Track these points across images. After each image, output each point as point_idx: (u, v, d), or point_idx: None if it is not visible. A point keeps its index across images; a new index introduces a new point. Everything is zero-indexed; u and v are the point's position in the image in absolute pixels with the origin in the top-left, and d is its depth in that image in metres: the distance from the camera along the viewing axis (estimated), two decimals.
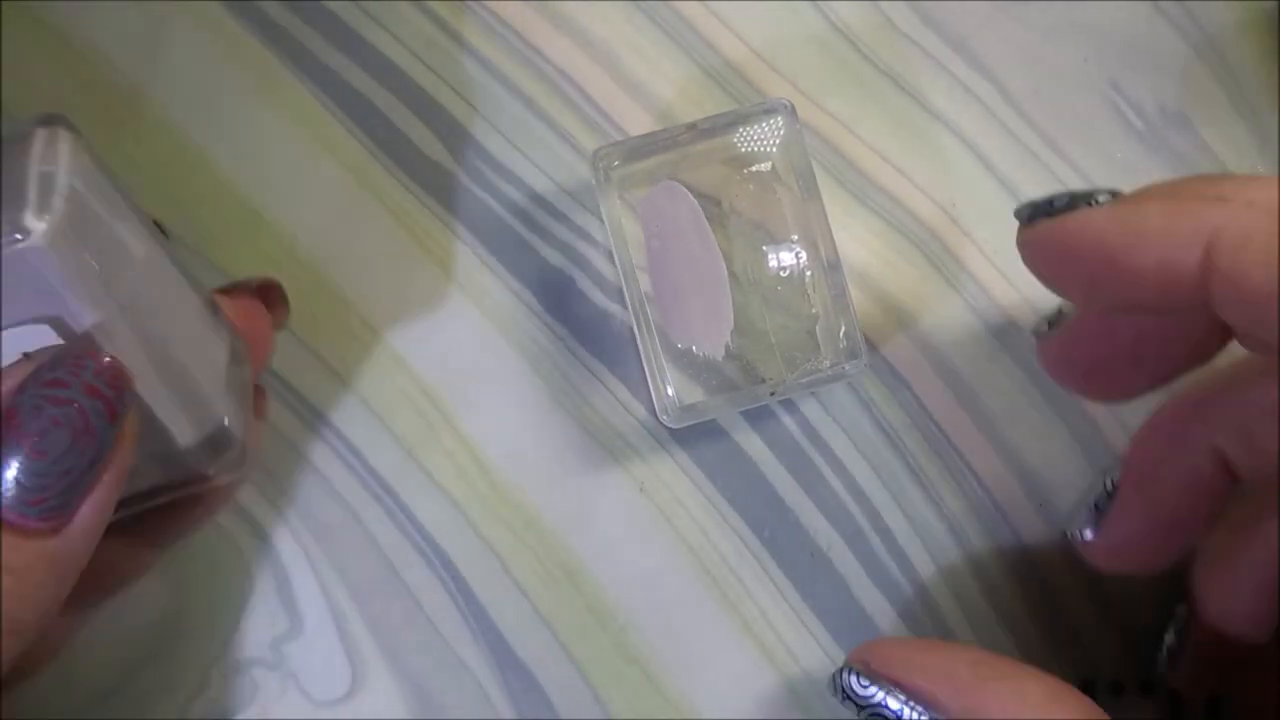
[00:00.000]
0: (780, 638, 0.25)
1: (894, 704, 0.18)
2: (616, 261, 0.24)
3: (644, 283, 0.24)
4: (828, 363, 0.24)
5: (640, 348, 0.24)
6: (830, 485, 0.26)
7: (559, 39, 0.28)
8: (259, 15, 0.28)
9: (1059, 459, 0.26)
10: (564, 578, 0.25)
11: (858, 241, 0.27)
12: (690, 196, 0.24)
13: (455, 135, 0.27)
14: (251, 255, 0.27)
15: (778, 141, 0.24)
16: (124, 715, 0.25)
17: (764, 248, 0.24)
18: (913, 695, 0.18)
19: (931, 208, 0.27)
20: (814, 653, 0.25)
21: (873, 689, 0.18)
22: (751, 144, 0.25)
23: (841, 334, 0.24)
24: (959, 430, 0.26)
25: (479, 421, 0.26)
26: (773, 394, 0.24)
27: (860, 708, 0.18)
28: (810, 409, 0.26)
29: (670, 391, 0.24)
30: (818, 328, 0.24)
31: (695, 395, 0.25)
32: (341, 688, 0.25)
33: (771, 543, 0.26)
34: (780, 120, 0.24)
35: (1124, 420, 0.26)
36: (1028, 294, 0.26)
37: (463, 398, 0.26)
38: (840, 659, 0.25)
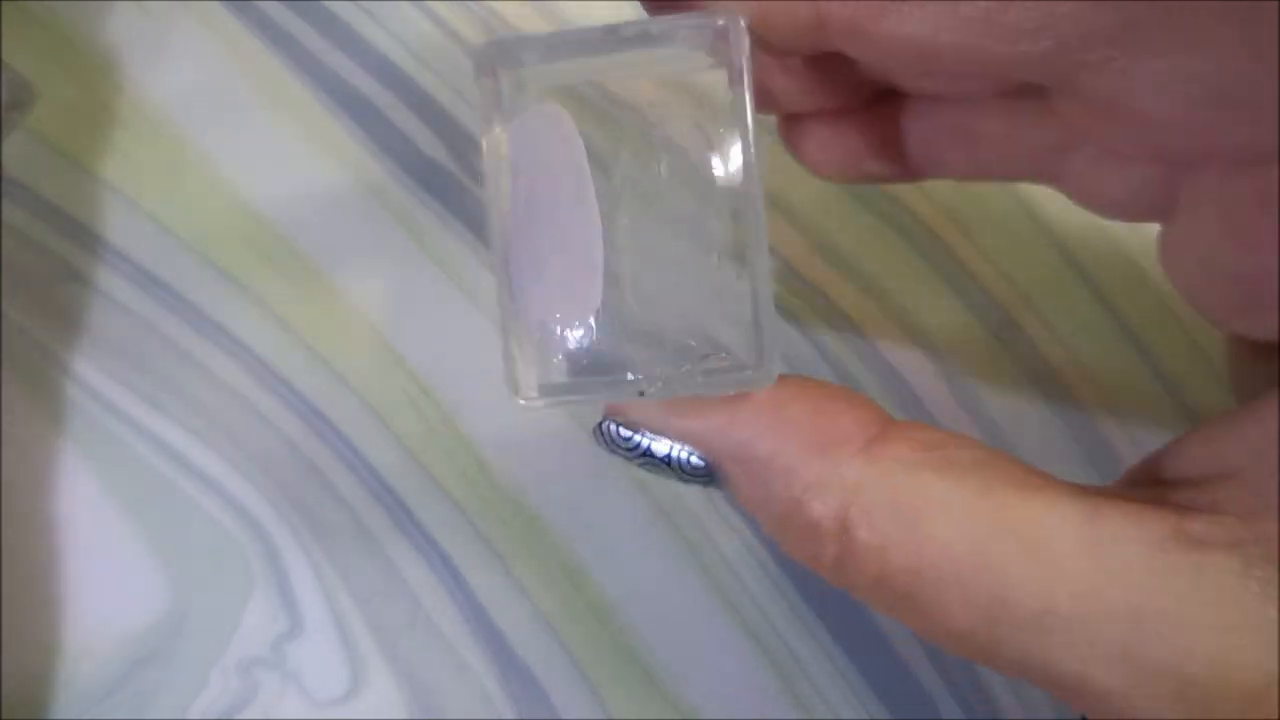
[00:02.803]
0: (780, 637, 0.25)
1: (660, 448, 0.18)
2: (486, 198, 0.18)
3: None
4: (712, 363, 0.17)
5: (499, 307, 0.18)
6: None
7: None
8: (260, 15, 0.28)
9: (1059, 459, 0.26)
10: (564, 578, 0.25)
11: (858, 242, 0.27)
12: (573, 129, 0.17)
13: (455, 135, 0.27)
14: (251, 255, 0.27)
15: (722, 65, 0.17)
16: (124, 715, 0.25)
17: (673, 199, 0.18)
18: (676, 437, 0.17)
19: (931, 208, 0.27)
20: (815, 653, 0.25)
21: (635, 436, 0.18)
22: (689, 63, 0.18)
23: (748, 324, 0.17)
24: (959, 430, 0.26)
25: (479, 421, 0.26)
26: (641, 393, 0.18)
27: (628, 451, 0.18)
28: None
29: (521, 367, 0.18)
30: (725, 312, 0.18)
31: (555, 375, 0.18)
32: (341, 688, 0.25)
33: (772, 542, 0.26)
34: (726, 36, 0.16)
35: (1122, 418, 0.26)
36: (1028, 294, 0.26)
37: (463, 398, 0.26)
38: (842, 659, 0.25)
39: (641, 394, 0.17)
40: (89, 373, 0.26)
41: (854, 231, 0.27)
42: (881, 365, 0.26)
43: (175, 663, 0.25)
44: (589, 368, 0.18)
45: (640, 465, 0.18)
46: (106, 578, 0.25)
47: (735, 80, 0.16)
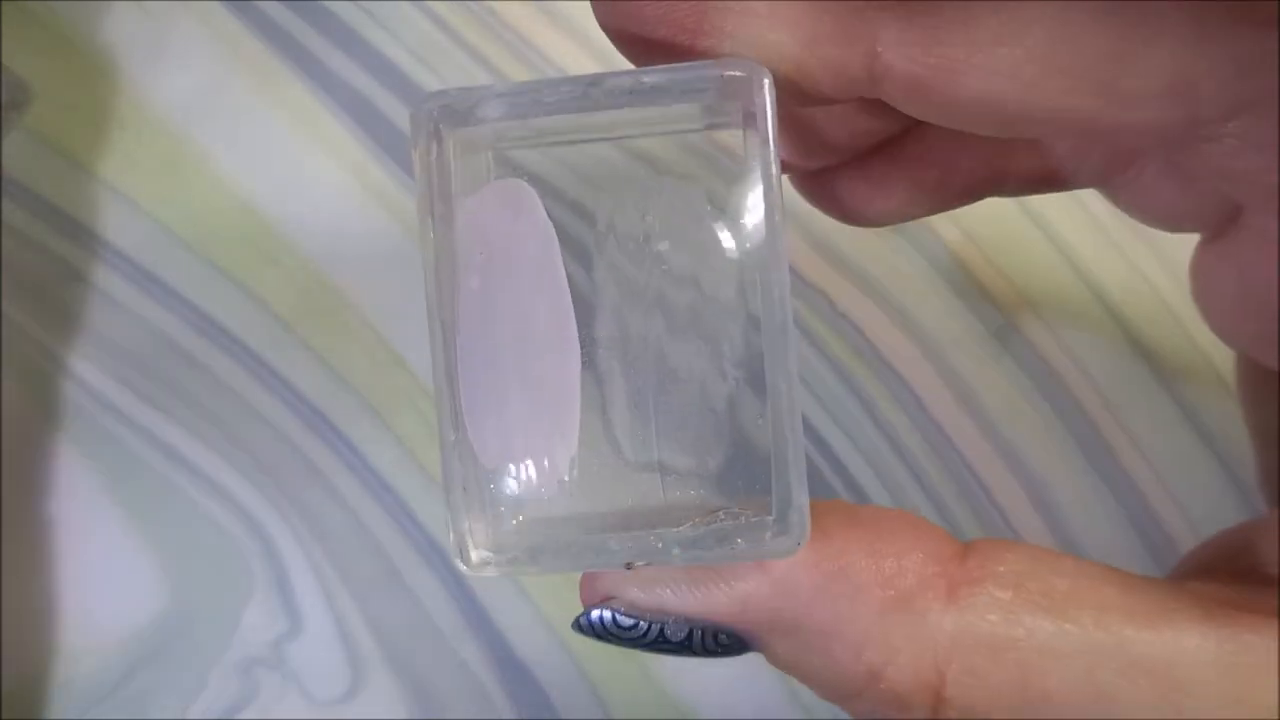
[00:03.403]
0: None
1: (676, 632, 0.14)
2: (426, 288, 0.14)
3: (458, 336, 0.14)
4: (722, 522, 0.13)
5: (441, 445, 0.14)
6: (830, 485, 0.26)
7: (559, 39, 0.28)
8: (260, 15, 0.28)
9: (1059, 459, 0.26)
10: (564, 577, 0.25)
11: (857, 242, 0.27)
12: (541, 213, 0.13)
13: None
14: (251, 255, 0.27)
15: (741, 135, 0.13)
16: (124, 715, 0.25)
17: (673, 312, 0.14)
18: (698, 616, 0.14)
19: None
20: None
21: (640, 624, 0.14)
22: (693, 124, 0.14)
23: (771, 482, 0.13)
24: (959, 430, 0.26)
25: None
26: (628, 565, 0.13)
27: (631, 641, 0.14)
28: (809, 408, 0.26)
29: (466, 527, 0.13)
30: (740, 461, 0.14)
31: (511, 535, 0.14)
32: (341, 688, 0.25)
33: None
34: (743, 101, 0.13)
35: (1123, 418, 0.26)
36: (1029, 294, 0.26)
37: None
38: None
39: (628, 566, 0.13)
40: (89, 373, 0.26)
41: (854, 231, 0.27)
42: (881, 366, 0.26)
43: (175, 663, 0.25)
44: (558, 525, 0.14)
45: (643, 650, 0.14)
46: (106, 578, 0.25)
47: (757, 148, 0.13)
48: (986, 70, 0.13)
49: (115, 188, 0.27)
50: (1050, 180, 0.17)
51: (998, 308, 0.26)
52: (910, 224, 0.27)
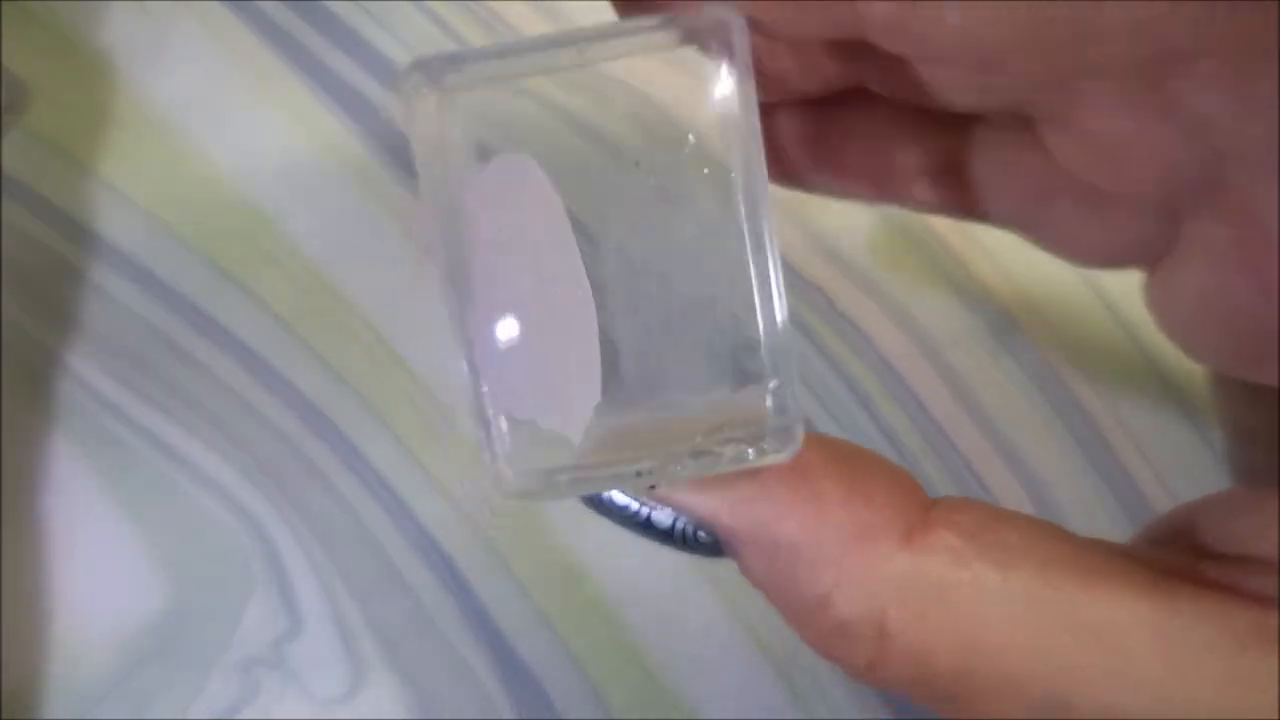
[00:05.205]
0: (781, 635, 0.25)
1: (662, 517, 0.16)
2: (441, 249, 0.14)
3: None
4: (725, 449, 0.14)
5: (469, 391, 0.15)
6: None
7: None
8: (259, 15, 0.28)
9: (1059, 459, 0.26)
10: (564, 576, 0.25)
11: (857, 241, 0.27)
12: (548, 187, 0.14)
13: None
14: (251, 255, 0.27)
15: (713, 89, 0.14)
16: (124, 715, 0.25)
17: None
18: (682, 510, 0.15)
19: None
20: (813, 652, 0.25)
21: (633, 504, 0.16)
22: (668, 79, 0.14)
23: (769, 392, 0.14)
24: (959, 430, 0.26)
25: None
26: (652, 487, 0.15)
27: (622, 519, 0.16)
28: (808, 408, 0.26)
29: (502, 454, 0.15)
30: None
31: (544, 456, 0.15)
32: (341, 688, 0.25)
33: None
34: (715, 53, 0.13)
35: (1123, 418, 0.26)
36: (1029, 294, 0.27)
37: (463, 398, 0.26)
38: None
39: (652, 487, 0.15)
40: (88, 372, 0.26)
41: (854, 231, 0.27)
42: (881, 365, 0.26)
43: (175, 663, 0.25)
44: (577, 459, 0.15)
45: (630, 530, 0.16)
46: (106, 578, 0.25)
47: (735, 86, 0.13)
48: (965, 11, 0.13)
49: (115, 187, 0.27)
50: (966, 208, 0.18)
51: (998, 307, 0.26)
52: (911, 224, 0.27)
